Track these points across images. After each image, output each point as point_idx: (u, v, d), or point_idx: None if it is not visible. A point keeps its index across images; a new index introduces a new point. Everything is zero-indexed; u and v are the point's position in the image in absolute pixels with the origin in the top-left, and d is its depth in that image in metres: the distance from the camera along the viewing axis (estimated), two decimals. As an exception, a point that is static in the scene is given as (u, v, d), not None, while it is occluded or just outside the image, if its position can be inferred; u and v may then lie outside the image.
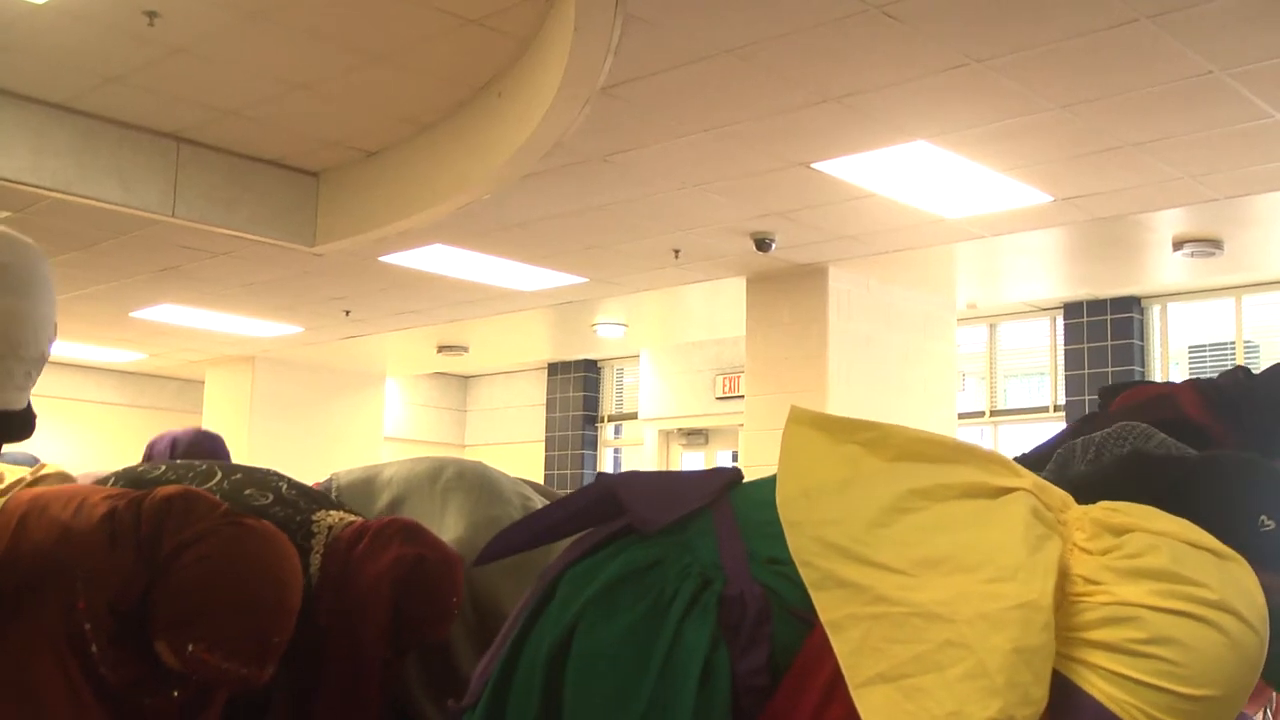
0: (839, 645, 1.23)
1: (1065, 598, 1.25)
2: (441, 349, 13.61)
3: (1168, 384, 2.31)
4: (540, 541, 1.60)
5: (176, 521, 1.79)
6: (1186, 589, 1.23)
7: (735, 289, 9.53)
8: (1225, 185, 6.91)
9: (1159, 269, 9.02)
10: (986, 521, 1.31)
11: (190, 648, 1.71)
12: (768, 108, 5.87)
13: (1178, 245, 8.20)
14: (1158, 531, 1.29)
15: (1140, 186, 6.93)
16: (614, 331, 12.15)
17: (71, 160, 6.80)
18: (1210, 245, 8.14)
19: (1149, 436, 2.03)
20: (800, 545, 1.31)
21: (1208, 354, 10.15)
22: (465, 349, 13.61)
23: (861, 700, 1.21)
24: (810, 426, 1.44)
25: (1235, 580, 1.27)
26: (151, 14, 5.50)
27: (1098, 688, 1.21)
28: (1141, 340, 10.00)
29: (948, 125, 6.04)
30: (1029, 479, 1.37)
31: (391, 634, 2.08)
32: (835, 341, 8.95)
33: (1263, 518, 1.55)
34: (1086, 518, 1.34)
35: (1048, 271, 9.51)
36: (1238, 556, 1.30)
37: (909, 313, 9.61)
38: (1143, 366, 9.94)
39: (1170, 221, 7.79)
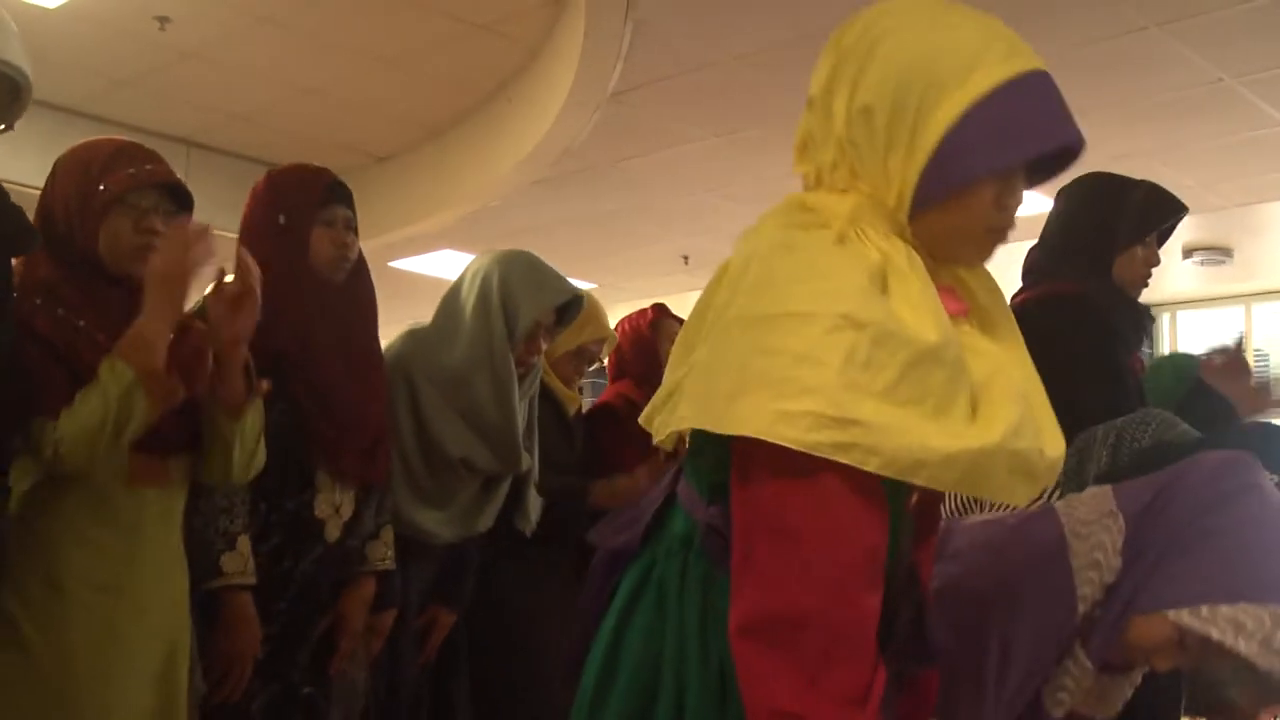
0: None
1: None
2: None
3: None
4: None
5: None
6: None
7: (744, 295, 9.49)
8: (1235, 193, 6.90)
9: (1169, 277, 9.00)
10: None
11: None
12: (777, 114, 5.86)
13: (1187, 253, 8.18)
14: None
15: (1150, 194, 6.91)
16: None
17: (82, 164, 6.80)
18: (1220, 253, 8.13)
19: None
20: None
21: (1217, 362, 10.12)
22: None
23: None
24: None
25: None
26: (162, 19, 5.52)
27: None
28: (1150, 348, 9.97)
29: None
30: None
31: None
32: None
33: None
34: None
35: (1057, 279, 9.47)
36: None
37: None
38: (1152, 374, 9.90)
39: (1180, 229, 7.71)
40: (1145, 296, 2.67)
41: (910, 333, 1.26)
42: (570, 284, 2.99)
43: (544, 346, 2.97)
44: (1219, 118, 5.80)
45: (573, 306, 3.02)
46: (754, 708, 1.26)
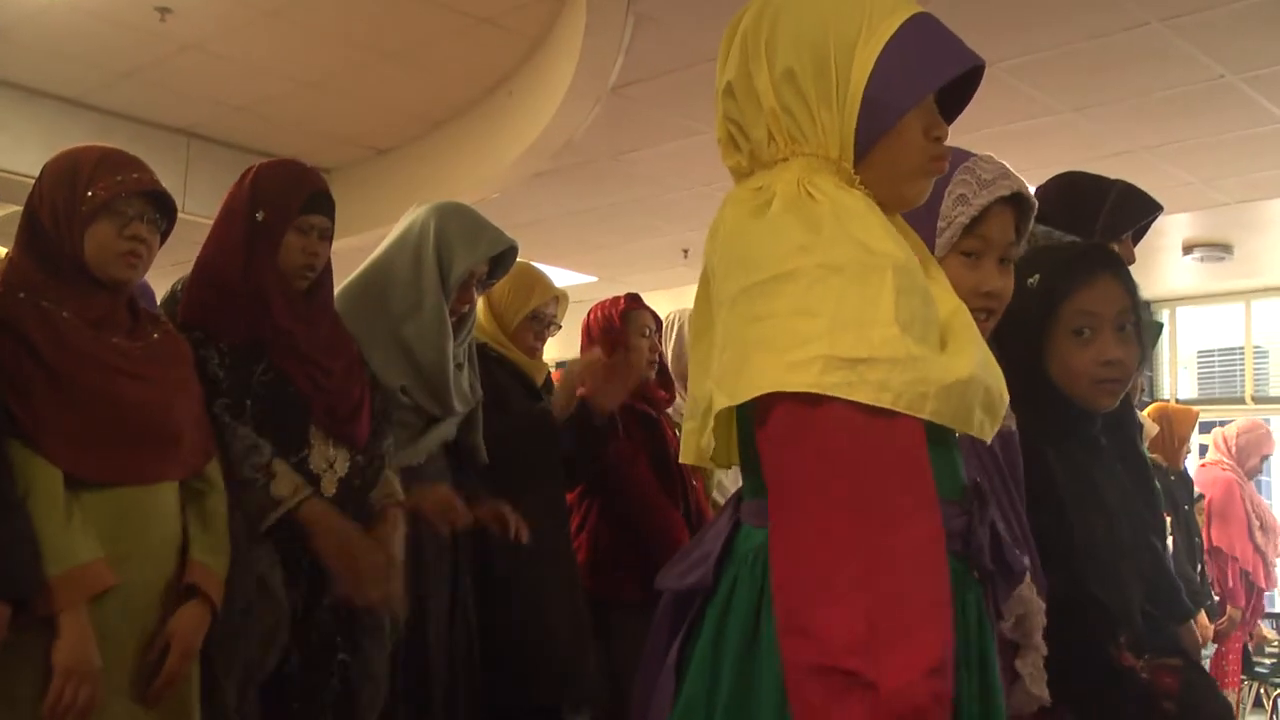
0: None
1: None
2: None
3: None
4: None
5: None
6: None
7: (744, 289, 9.50)
8: (1235, 190, 6.90)
9: (1168, 273, 9.00)
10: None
11: None
12: (778, 108, 5.84)
13: (1187, 249, 8.18)
14: None
15: (1151, 190, 6.86)
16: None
17: (83, 155, 6.79)
18: (1220, 250, 8.12)
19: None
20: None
21: (1216, 358, 10.12)
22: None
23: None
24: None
25: None
26: (163, 10, 5.52)
27: None
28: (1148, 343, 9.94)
29: (958, 127, 6.01)
30: None
31: None
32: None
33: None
34: None
35: (1057, 275, 9.45)
36: None
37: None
38: (1151, 371, 9.91)
39: (1180, 226, 7.77)
40: (1144, 293, 2.68)
41: (883, 258, 1.31)
42: (504, 235, 3.06)
43: (476, 296, 3.07)
44: (1220, 114, 5.79)
45: (507, 257, 3.11)
46: (796, 662, 1.24)
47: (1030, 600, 1.74)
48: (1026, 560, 1.65)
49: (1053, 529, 1.97)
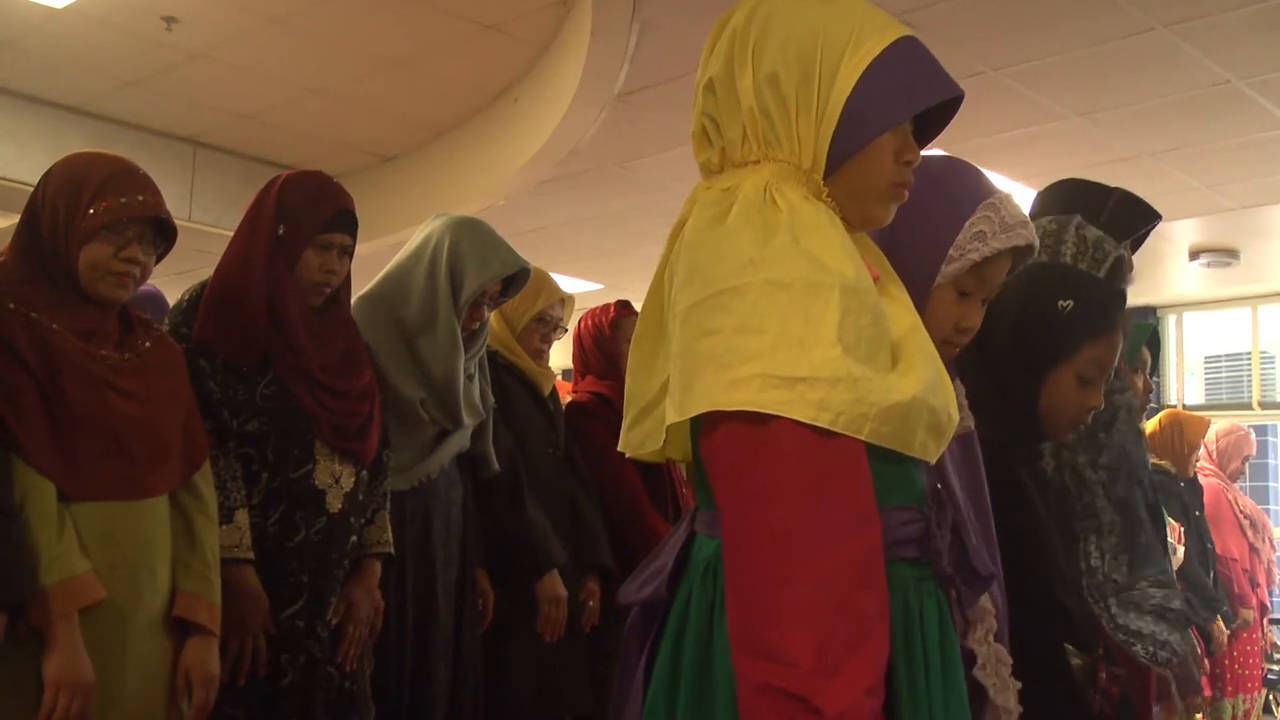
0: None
1: None
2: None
3: None
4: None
5: None
6: None
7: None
8: (1242, 195, 6.89)
9: (1175, 278, 8.99)
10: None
11: None
12: (783, 115, 5.84)
13: (1194, 255, 8.17)
14: None
15: (1157, 196, 6.84)
16: (629, 338, 12.11)
17: (89, 164, 6.80)
18: (1226, 255, 8.11)
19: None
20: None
21: (1223, 364, 10.11)
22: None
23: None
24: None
25: None
26: (170, 19, 5.53)
27: None
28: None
29: (963, 133, 6.02)
30: None
31: None
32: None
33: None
34: None
35: (1063, 280, 9.43)
36: None
37: (924, 321, 9.56)
38: (1157, 376, 9.90)
39: (1186, 231, 7.76)
40: (1151, 298, 2.69)
41: (832, 276, 1.31)
42: (517, 256, 3.07)
43: (488, 314, 3.09)
44: (1226, 119, 5.79)
45: (519, 277, 3.12)
46: (747, 680, 1.25)
47: (980, 607, 1.72)
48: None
49: (1024, 536, 1.96)
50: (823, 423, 1.25)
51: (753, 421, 1.27)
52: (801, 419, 1.25)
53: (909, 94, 1.44)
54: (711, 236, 1.39)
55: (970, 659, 1.66)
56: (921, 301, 1.58)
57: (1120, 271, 2.26)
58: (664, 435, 1.45)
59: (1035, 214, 2.67)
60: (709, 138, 1.52)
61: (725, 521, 1.31)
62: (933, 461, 1.41)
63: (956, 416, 1.41)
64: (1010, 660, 1.74)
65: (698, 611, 1.42)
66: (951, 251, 1.71)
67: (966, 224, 1.72)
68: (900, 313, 1.44)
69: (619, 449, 1.58)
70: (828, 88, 1.41)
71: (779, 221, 1.35)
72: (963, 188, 1.75)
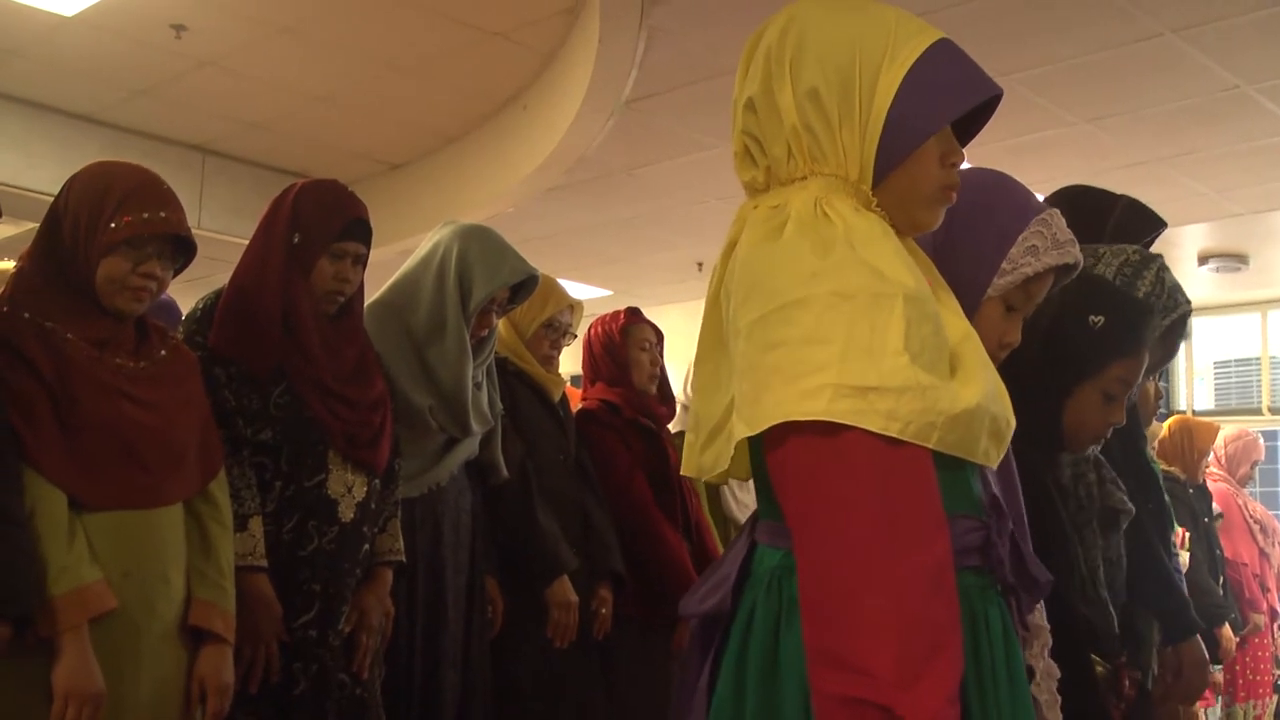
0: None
1: None
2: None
3: None
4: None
5: None
6: None
7: (758, 302, 9.49)
8: (1251, 200, 6.88)
9: (1184, 284, 8.86)
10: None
11: None
12: (791, 121, 5.84)
13: (1203, 260, 8.16)
14: None
15: (1165, 201, 6.84)
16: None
17: (99, 172, 6.81)
18: (1235, 260, 8.10)
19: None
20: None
21: (1233, 369, 10.08)
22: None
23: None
24: None
25: None
26: (179, 27, 5.54)
27: None
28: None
29: (973, 139, 6.00)
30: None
31: None
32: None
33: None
34: None
35: (1072, 286, 9.43)
36: None
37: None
38: (1167, 381, 9.88)
39: (1195, 236, 7.76)
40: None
41: (894, 285, 1.32)
42: (526, 263, 3.08)
43: (496, 321, 3.10)
44: (1234, 125, 5.78)
45: (528, 284, 3.13)
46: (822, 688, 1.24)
47: (1036, 624, 1.73)
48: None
49: (1052, 543, 1.96)
50: (893, 432, 1.26)
51: (824, 432, 1.27)
52: (872, 429, 1.26)
53: (950, 97, 1.44)
54: (768, 252, 1.38)
55: (1028, 673, 1.66)
56: (970, 314, 1.57)
57: (1163, 292, 2.25)
58: (732, 453, 1.44)
59: None
60: (752, 157, 1.51)
61: (797, 533, 1.31)
62: (995, 467, 1.42)
63: (1014, 422, 1.42)
64: (1059, 674, 1.74)
65: (762, 622, 1.42)
66: (1005, 264, 1.70)
67: (1020, 238, 1.71)
68: (954, 320, 1.44)
69: (682, 472, 1.57)
70: (869, 98, 1.41)
71: (835, 234, 1.35)
72: (1013, 201, 1.75)
